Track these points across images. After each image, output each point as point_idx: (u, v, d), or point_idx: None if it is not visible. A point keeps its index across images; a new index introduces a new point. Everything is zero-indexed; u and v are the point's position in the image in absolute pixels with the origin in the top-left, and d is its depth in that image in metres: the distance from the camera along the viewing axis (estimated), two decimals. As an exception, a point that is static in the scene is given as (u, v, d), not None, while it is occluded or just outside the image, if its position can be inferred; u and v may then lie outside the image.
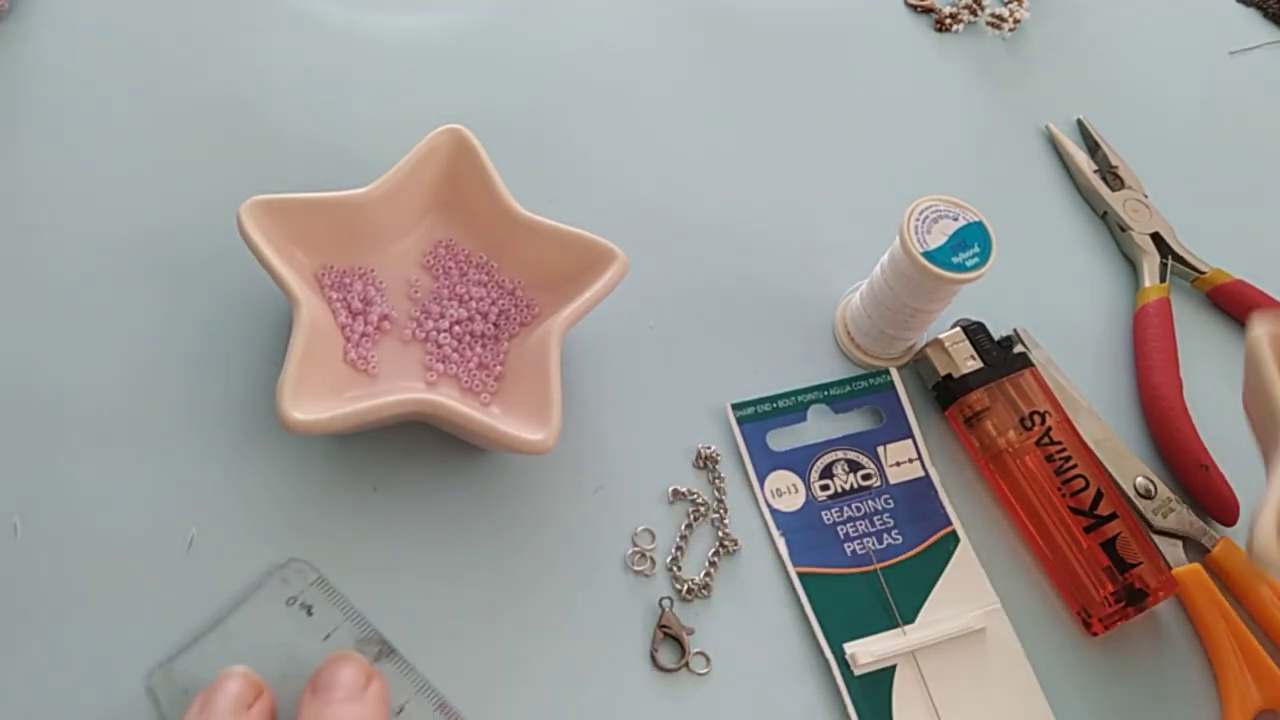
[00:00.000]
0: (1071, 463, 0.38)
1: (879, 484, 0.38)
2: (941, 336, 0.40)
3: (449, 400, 0.32)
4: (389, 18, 0.46)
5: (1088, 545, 0.37)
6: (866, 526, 0.37)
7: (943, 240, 0.36)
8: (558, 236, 0.36)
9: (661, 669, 0.34)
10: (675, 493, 0.37)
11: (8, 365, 0.34)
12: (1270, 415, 0.31)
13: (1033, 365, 0.40)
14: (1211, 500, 0.40)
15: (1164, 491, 0.40)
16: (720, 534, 0.36)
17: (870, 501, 0.38)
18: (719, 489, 0.37)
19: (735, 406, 0.39)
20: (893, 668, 0.35)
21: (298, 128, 0.42)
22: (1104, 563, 0.37)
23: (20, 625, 0.31)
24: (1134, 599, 0.36)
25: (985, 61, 0.52)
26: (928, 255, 0.36)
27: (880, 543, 0.37)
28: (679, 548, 0.36)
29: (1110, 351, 0.44)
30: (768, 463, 0.38)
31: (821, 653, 0.35)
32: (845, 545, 0.37)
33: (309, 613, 0.31)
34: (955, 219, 0.36)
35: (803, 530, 0.37)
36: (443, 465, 0.35)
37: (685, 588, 0.35)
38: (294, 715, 0.27)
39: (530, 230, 0.36)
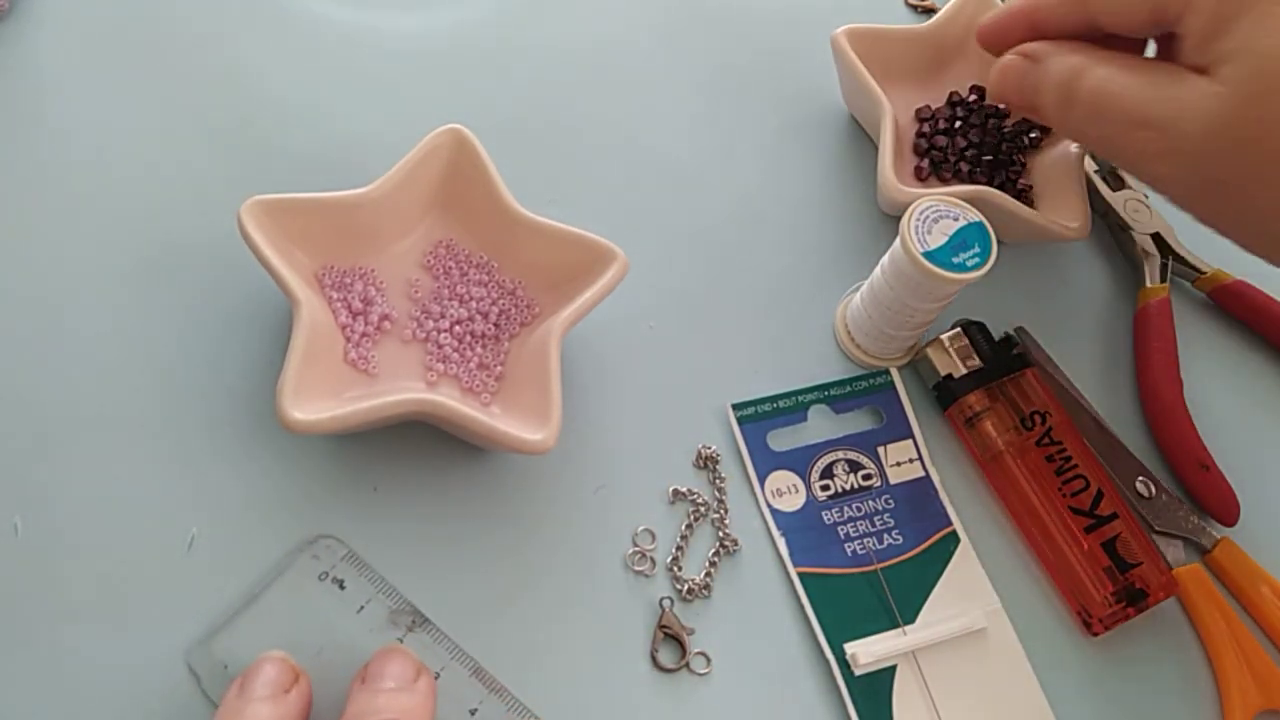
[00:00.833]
0: (1072, 463, 0.38)
1: (879, 484, 0.38)
2: (942, 336, 0.40)
3: (449, 400, 0.32)
4: (389, 18, 0.46)
5: (1088, 545, 0.37)
6: (867, 526, 0.37)
7: (943, 240, 0.36)
8: (558, 236, 0.36)
9: (662, 669, 0.34)
10: (675, 493, 0.37)
11: (7, 365, 0.34)
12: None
13: (1033, 365, 0.40)
14: (1211, 500, 0.40)
15: (1164, 491, 0.40)
16: (720, 534, 0.36)
17: (870, 502, 0.38)
18: (719, 489, 0.37)
19: (735, 406, 0.39)
20: (893, 668, 0.35)
21: (298, 128, 0.42)
22: (1104, 563, 0.37)
23: (21, 626, 0.31)
24: (1134, 599, 0.36)
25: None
26: (928, 255, 0.36)
27: (881, 543, 0.37)
28: (679, 548, 0.36)
29: (1110, 351, 0.44)
30: (768, 463, 0.38)
31: (821, 653, 0.35)
32: (845, 545, 0.37)
33: (341, 586, 0.31)
34: (956, 219, 0.36)
35: (803, 530, 0.37)
36: (443, 465, 0.35)
37: (685, 588, 0.35)
38: (331, 693, 0.28)
39: (530, 230, 0.36)
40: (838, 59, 0.44)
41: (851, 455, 0.39)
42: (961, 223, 0.36)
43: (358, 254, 0.36)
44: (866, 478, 0.38)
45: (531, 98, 0.45)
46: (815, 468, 0.38)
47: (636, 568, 0.35)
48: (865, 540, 0.37)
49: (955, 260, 0.36)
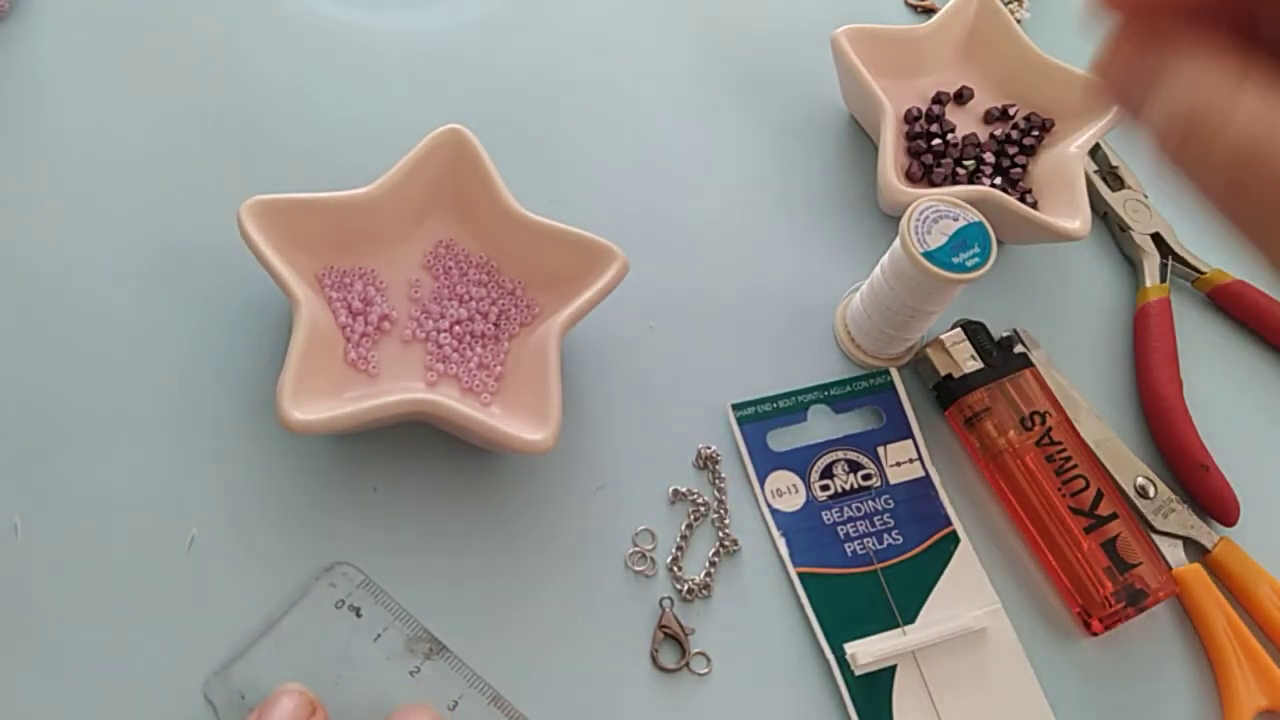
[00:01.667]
0: (1072, 463, 0.38)
1: (879, 484, 0.38)
2: (942, 336, 0.40)
3: (449, 400, 0.32)
4: (389, 18, 0.46)
5: (1088, 545, 0.37)
6: (867, 527, 0.37)
7: (943, 240, 0.36)
8: (558, 236, 0.36)
9: (662, 669, 0.34)
10: (676, 493, 0.37)
11: (7, 365, 0.34)
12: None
13: (1033, 365, 0.40)
14: (1211, 500, 0.40)
15: (1164, 491, 0.40)
16: (720, 534, 0.36)
17: (870, 501, 0.38)
18: (719, 489, 0.37)
19: (735, 406, 0.39)
20: (893, 668, 0.35)
21: (298, 128, 0.42)
22: (1104, 563, 0.37)
23: (22, 627, 0.31)
24: (1134, 599, 0.36)
25: (985, 61, 0.52)
26: (928, 255, 0.36)
27: (880, 543, 0.37)
28: (679, 548, 0.36)
29: (1110, 351, 0.44)
30: (768, 463, 0.38)
31: (822, 653, 0.35)
32: (845, 545, 0.37)
33: (358, 614, 0.31)
34: (955, 219, 0.36)
35: (803, 530, 0.37)
36: (443, 465, 0.35)
37: (686, 588, 0.35)
38: None
39: (530, 230, 0.36)
40: (838, 59, 0.44)
41: (851, 455, 0.39)
42: (961, 223, 0.36)
43: (358, 254, 0.36)
44: (866, 478, 0.38)
45: (532, 98, 0.45)
46: (815, 468, 0.38)
47: (636, 568, 0.35)
48: (865, 540, 0.37)
49: (955, 260, 0.36)
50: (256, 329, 0.37)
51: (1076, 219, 0.41)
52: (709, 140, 0.46)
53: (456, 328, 0.36)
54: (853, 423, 0.40)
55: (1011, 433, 0.38)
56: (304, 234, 0.35)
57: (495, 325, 0.36)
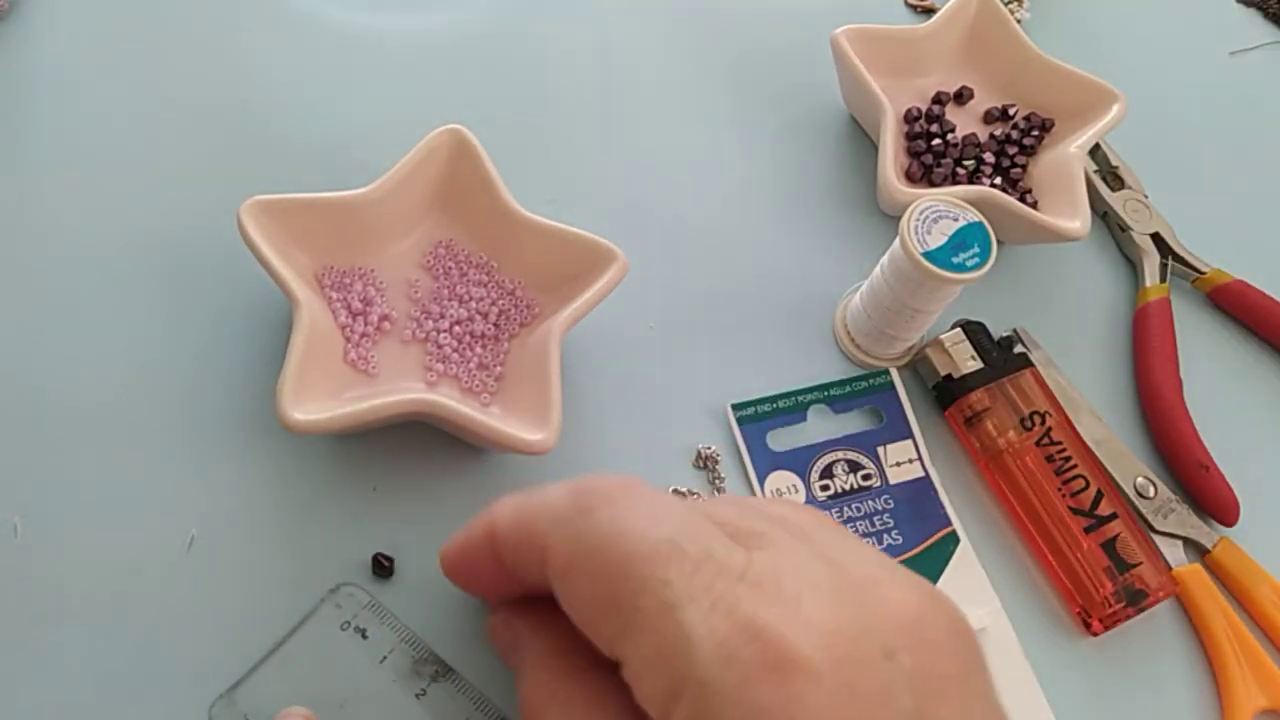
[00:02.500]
0: (1071, 463, 0.38)
1: (879, 484, 0.38)
2: (941, 336, 0.40)
3: (449, 400, 0.32)
4: (389, 18, 0.46)
5: (1088, 545, 0.37)
6: (867, 527, 0.37)
7: (943, 240, 0.36)
8: (558, 236, 0.36)
9: (661, 669, 0.34)
10: (676, 493, 0.37)
11: (7, 366, 0.34)
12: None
13: (1033, 365, 0.40)
14: (1211, 500, 0.40)
15: (1164, 491, 0.40)
16: (720, 534, 0.36)
17: (870, 502, 0.38)
18: (719, 489, 0.37)
19: (735, 407, 0.39)
20: (893, 668, 0.35)
21: (298, 128, 0.42)
22: (1104, 563, 0.37)
23: (21, 629, 0.31)
24: (1134, 599, 0.36)
25: (985, 61, 0.52)
26: (928, 255, 0.36)
27: (880, 543, 0.37)
28: (679, 548, 0.36)
29: (1110, 351, 0.44)
30: (768, 463, 0.38)
31: (821, 653, 0.35)
32: (845, 545, 0.37)
33: (364, 636, 0.31)
34: (955, 219, 0.36)
35: (803, 530, 0.37)
36: (443, 465, 0.35)
37: (685, 588, 0.35)
38: None
39: (530, 230, 0.36)
40: (838, 59, 0.44)
41: (851, 455, 0.39)
42: (961, 223, 0.36)
43: (358, 254, 0.36)
44: (866, 478, 0.38)
45: (531, 97, 0.45)
46: (815, 468, 0.38)
47: (636, 568, 0.35)
48: (865, 540, 0.37)
49: (955, 260, 0.36)
50: (256, 329, 0.37)
51: (1076, 219, 0.41)
52: (709, 140, 0.46)
53: (456, 328, 0.36)
54: (853, 423, 0.40)
55: (1011, 433, 0.38)
56: (304, 234, 0.35)
57: (495, 325, 0.36)
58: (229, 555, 0.32)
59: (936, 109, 0.46)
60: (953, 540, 0.38)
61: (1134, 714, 0.36)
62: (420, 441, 0.35)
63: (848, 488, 0.38)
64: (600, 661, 0.23)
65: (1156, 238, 0.47)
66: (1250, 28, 0.58)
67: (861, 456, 0.39)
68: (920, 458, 0.39)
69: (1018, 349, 0.40)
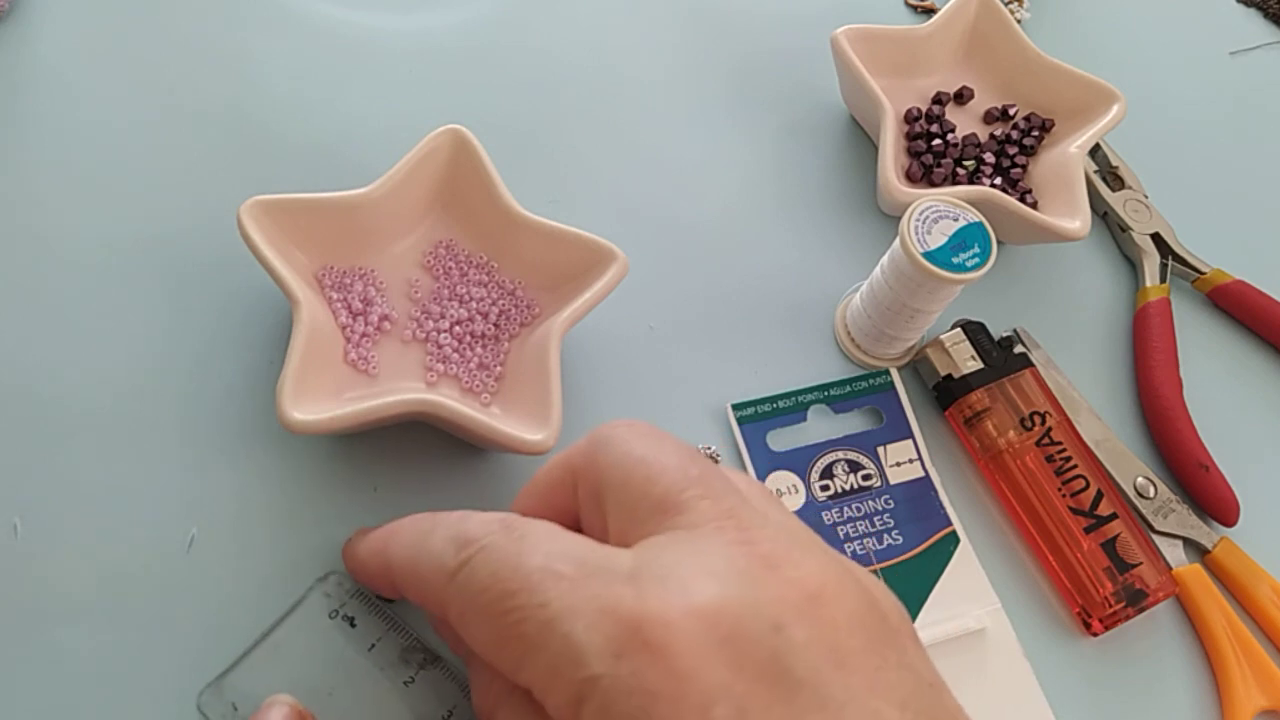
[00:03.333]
0: (1071, 463, 0.38)
1: (879, 484, 0.38)
2: (942, 337, 0.40)
3: (449, 400, 0.32)
4: (389, 18, 0.46)
5: (1088, 545, 0.37)
6: (867, 527, 0.37)
7: (943, 240, 0.36)
8: (558, 236, 0.36)
9: (662, 669, 0.34)
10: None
11: (7, 366, 0.34)
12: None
13: (1033, 365, 0.40)
14: (1211, 500, 0.40)
15: (1164, 491, 0.40)
16: (720, 534, 0.36)
17: (870, 502, 0.38)
18: (719, 489, 0.37)
19: (735, 407, 0.39)
20: (893, 668, 0.35)
21: (298, 128, 0.42)
22: (1104, 563, 0.37)
23: (21, 628, 0.31)
24: (1134, 599, 0.36)
25: (985, 61, 0.52)
26: (928, 255, 0.36)
27: (880, 543, 0.37)
28: (679, 548, 0.36)
29: (1110, 351, 0.44)
30: (768, 463, 0.38)
31: (821, 653, 0.35)
32: (845, 545, 0.37)
33: (352, 624, 0.31)
34: (955, 219, 0.36)
35: (803, 530, 0.37)
36: (443, 465, 0.35)
37: (685, 588, 0.35)
38: None
39: (530, 230, 0.36)
40: (838, 59, 0.44)
41: (851, 455, 0.39)
42: (961, 223, 0.36)
43: (358, 254, 0.36)
44: (866, 478, 0.38)
45: (531, 98, 0.45)
46: (815, 468, 0.38)
47: (636, 568, 0.35)
48: (865, 540, 0.37)
49: (955, 260, 0.36)
50: (256, 329, 0.37)
51: (1076, 219, 0.41)
52: (709, 141, 0.46)
53: (456, 328, 0.36)
54: (853, 423, 0.40)
55: (1011, 433, 0.39)
56: (304, 234, 0.35)
57: (495, 325, 0.36)
58: (228, 554, 0.32)
59: (936, 109, 0.46)
60: (953, 540, 0.38)
61: (1134, 714, 0.36)
62: (420, 441, 0.35)
63: (848, 488, 0.38)
64: None
65: (1156, 238, 0.47)
66: (1250, 28, 0.58)
67: (862, 456, 0.39)
68: (920, 458, 0.39)
69: (1018, 349, 0.40)
